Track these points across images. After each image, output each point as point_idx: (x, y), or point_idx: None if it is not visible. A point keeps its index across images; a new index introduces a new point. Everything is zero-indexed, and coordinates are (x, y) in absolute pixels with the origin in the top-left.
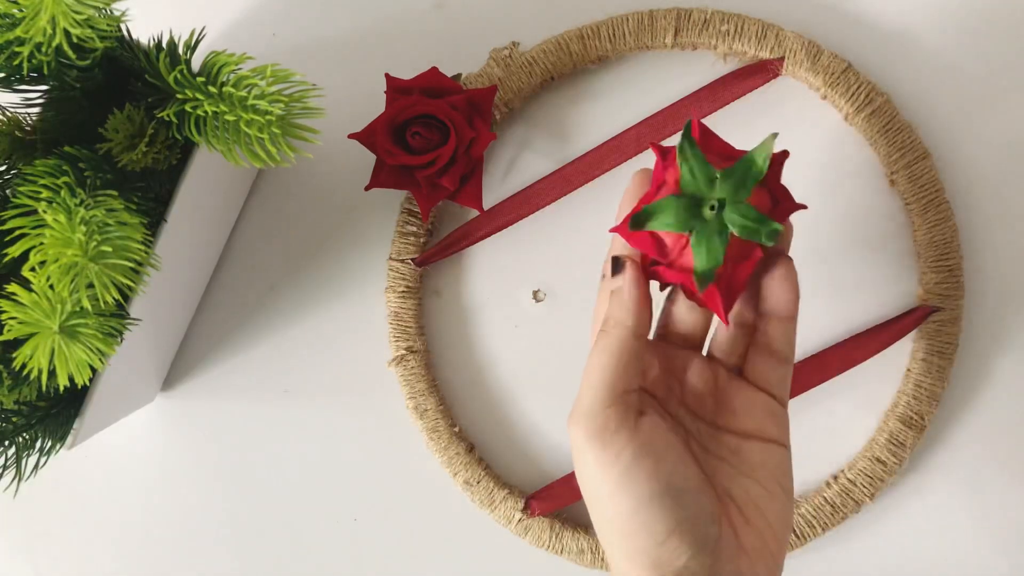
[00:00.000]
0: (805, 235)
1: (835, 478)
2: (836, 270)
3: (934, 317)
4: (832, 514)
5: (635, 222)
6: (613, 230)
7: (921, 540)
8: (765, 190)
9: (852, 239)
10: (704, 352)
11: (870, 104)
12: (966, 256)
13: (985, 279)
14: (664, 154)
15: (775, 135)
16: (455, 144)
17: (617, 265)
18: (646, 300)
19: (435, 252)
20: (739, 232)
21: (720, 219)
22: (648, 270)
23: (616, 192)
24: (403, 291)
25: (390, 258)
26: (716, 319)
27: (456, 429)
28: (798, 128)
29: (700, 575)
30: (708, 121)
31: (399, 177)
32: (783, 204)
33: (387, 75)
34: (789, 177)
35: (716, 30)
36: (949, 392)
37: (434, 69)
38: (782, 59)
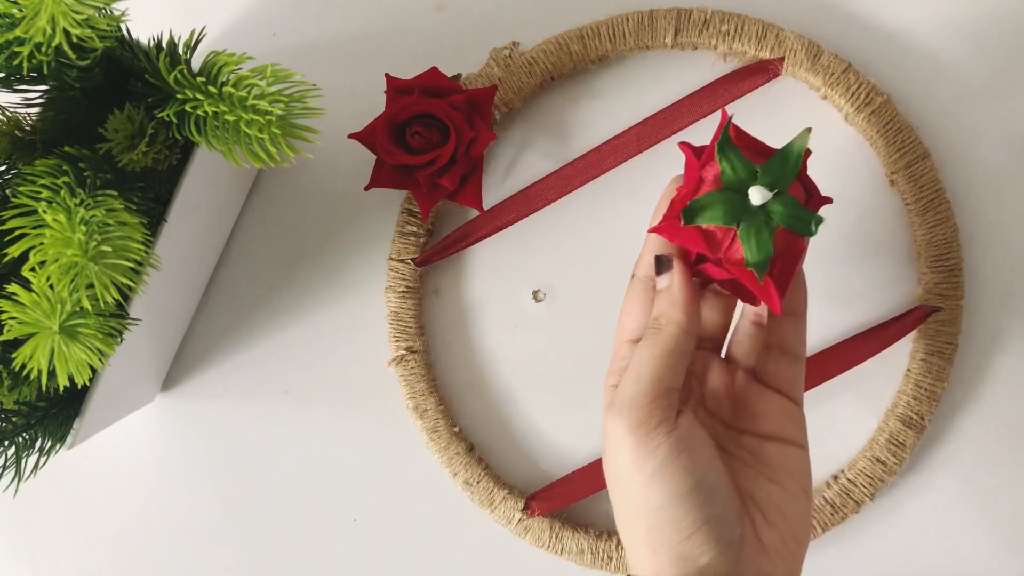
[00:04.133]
0: None
1: (835, 478)
2: (836, 270)
3: (934, 317)
4: (832, 514)
5: (687, 215)
6: (653, 230)
7: (921, 540)
8: (799, 184)
9: (852, 239)
10: (722, 354)
11: (870, 104)
12: (966, 256)
13: (985, 279)
14: (698, 153)
15: (809, 129)
16: (455, 144)
17: (663, 263)
18: (696, 297)
19: (435, 252)
20: (786, 224)
21: (766, 212)
22: (693, 269)
23: (616, 192)
24: (403, 291)
25: (390, 258)
26: (735, 320)
27: (456, 429)
28: (798, 128)
29: (722, 573)
30: (708, 121)
31: (399, 177)
32: (814, 197)
33: (387, 75)
34: None
35: (716, 30)
36: (949, 392)
37: (434, 69)
38: (782, 59)
